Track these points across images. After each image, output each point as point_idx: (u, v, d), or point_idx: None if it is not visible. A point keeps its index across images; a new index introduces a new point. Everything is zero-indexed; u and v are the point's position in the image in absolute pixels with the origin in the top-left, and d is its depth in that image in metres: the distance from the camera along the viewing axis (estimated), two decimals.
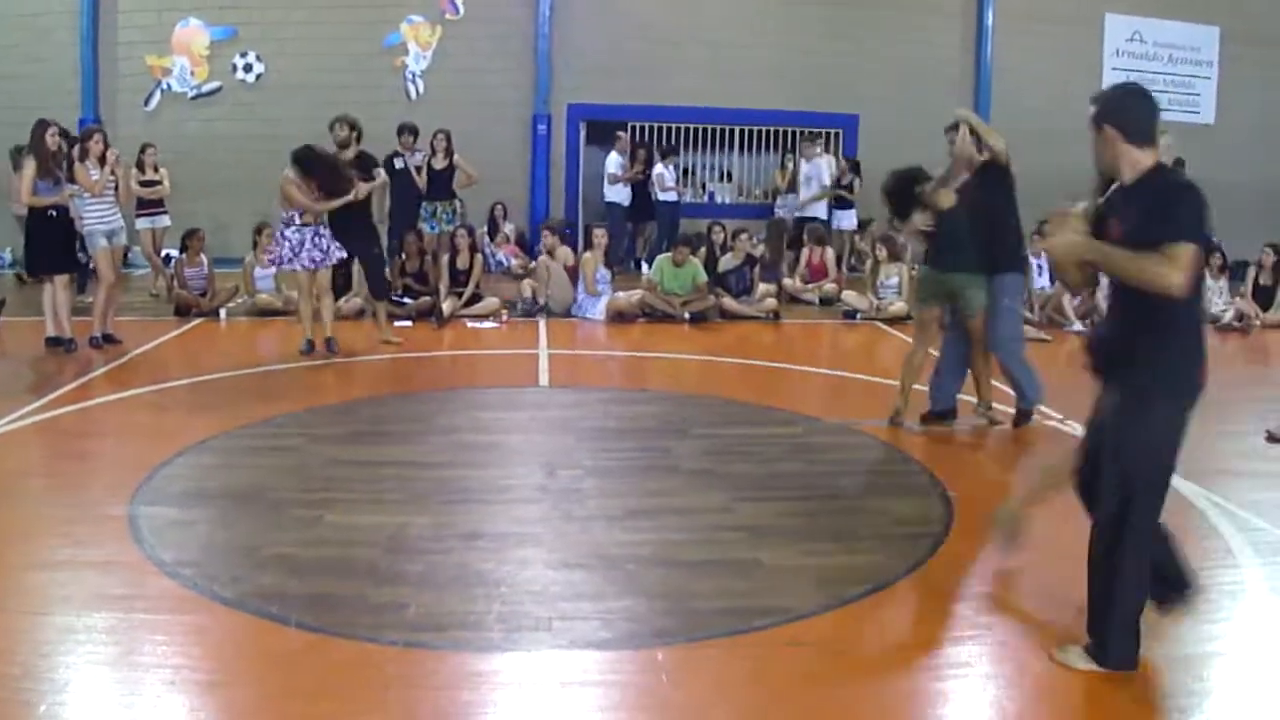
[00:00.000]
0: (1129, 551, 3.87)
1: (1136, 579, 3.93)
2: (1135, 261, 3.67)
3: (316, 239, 9.63)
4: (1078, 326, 12.28)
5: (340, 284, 11.16)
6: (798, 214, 16.00)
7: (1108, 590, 3.95)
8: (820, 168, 16.05)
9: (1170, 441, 3.85)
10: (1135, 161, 3.84)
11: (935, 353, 7.71)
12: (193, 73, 16.23)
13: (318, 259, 9.66)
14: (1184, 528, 5.57)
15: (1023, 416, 7.64)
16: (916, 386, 7.60)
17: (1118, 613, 3.94)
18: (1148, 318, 3.78)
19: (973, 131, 7.38)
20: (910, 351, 7.68)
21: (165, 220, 13.31)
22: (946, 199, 7.37)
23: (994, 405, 7.71)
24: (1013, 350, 7.58)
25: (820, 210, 16.02)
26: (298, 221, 9.58)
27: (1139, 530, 3.87)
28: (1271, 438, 7.48)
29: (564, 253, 12.70)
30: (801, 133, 17.07)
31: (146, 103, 16.16)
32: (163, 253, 13.39)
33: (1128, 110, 3.88)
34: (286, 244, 9.62)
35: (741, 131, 17.78)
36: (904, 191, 7.49)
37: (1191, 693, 3.96)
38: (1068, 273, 4.08)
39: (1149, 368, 3.83)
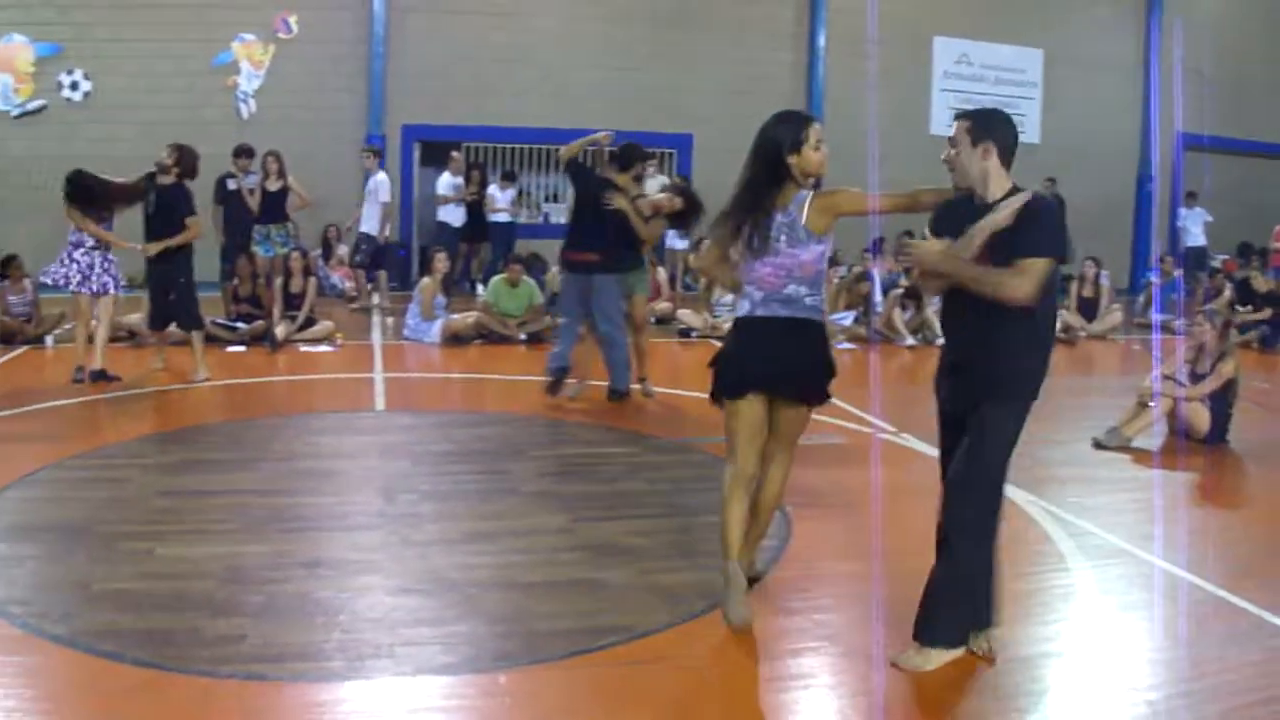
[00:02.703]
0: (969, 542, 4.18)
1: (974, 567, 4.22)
2: (989, 275, 3.96)
3: (106, 264, 9.44)
4: (910, 341, 12.72)
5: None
6: None
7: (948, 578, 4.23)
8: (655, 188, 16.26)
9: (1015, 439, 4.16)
10: (1001, 180, 4.13)
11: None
12: (16, 90, 15.62)
13: (108, 285, 9.45)
14: (1018, 534, 5.87)
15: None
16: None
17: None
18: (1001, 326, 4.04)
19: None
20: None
21: None
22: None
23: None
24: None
25: None
26: (88, 244, 9.37)
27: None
28: (1098, 445, 7.92)
29: None
30: None
31: None
32: None
33: (1005, 131, 4.19)
34: (75, 265, 9.38)
35: None
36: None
37: (1029, 693, 4.16)
38: (928, 283, 4.40)
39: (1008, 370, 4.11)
